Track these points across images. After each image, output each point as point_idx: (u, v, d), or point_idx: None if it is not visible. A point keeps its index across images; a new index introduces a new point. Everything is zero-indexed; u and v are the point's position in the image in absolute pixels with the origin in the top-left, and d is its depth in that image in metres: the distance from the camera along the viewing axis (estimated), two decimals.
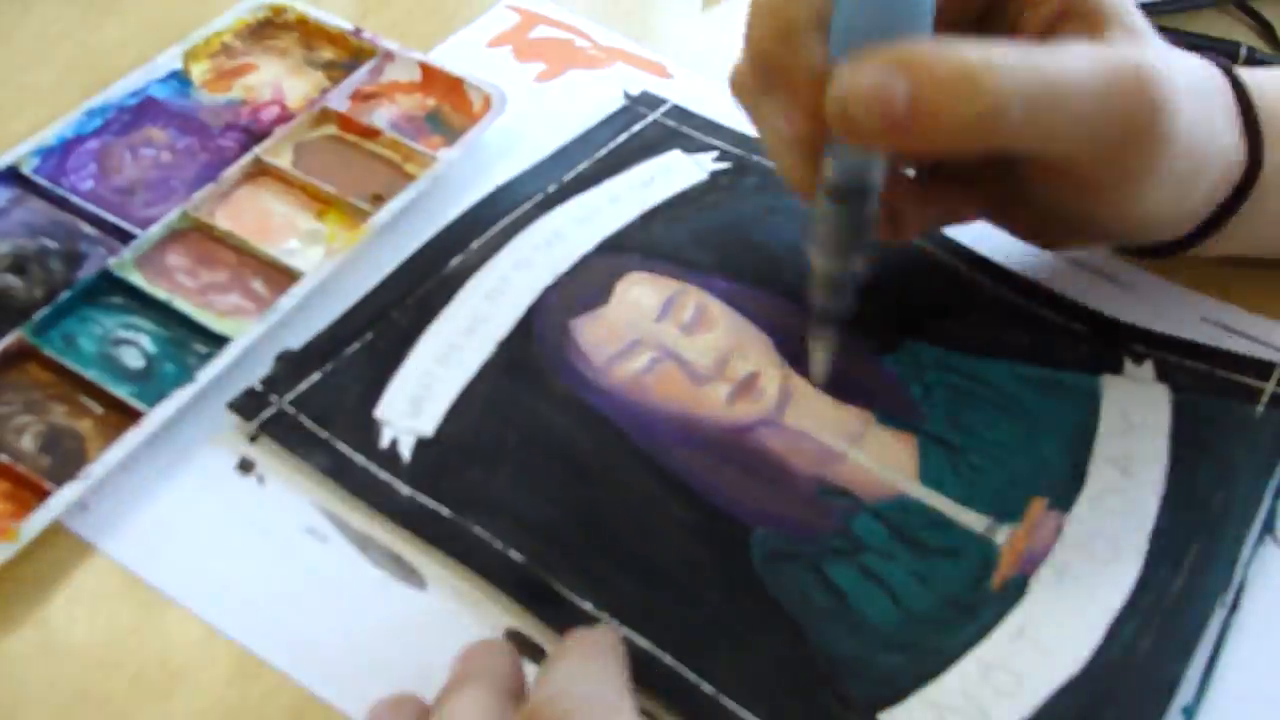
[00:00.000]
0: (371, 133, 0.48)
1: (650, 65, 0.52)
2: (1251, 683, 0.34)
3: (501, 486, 0.37)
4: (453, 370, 0.40)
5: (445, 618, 0.35)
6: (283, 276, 0.43)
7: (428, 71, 0.50)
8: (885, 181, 0.35)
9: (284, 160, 0.47)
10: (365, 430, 0.38)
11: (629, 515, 0.37)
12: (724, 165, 0.47)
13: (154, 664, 0.34)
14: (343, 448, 0.38)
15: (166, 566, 0.36)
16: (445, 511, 0.36)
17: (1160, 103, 0.34)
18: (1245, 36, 0.55)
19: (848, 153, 0.34)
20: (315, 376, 0.40)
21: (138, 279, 0.42)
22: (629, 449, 0.38)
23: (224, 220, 0.45)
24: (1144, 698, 0.33)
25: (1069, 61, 0.33)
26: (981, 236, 0.44)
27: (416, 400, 0.39)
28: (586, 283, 0.43)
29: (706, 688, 0.33)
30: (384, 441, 0.38)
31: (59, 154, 0.46)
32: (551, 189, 0.46)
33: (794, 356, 0.41)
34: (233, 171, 0.46)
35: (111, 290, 0.42)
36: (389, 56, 0.50)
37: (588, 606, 0.34)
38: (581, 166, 0.47)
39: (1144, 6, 0.53)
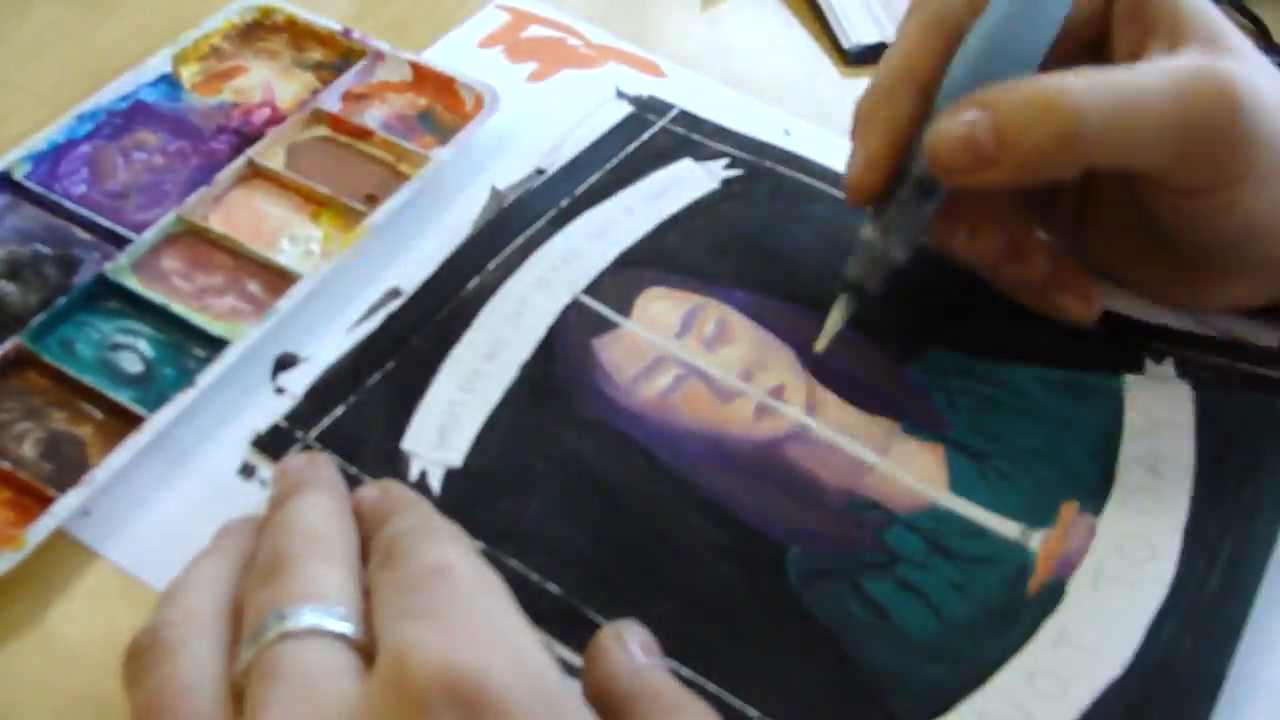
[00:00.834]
0: (364, 133, 0.48)
1: (644, 64, 0.52)
2: None
3: (534, 517, 0.37)
4: (476, 397, 0.40)
5: None
6: (279, 278, 0.43)
7: (418, 71, 0.50)
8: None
9: (276, 162, 0.47)
10: (393, 463, 0.38)
11: (663, 540, 0.36)
12: (736, 173, 0.47)
13: None
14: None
15: (169, 571, 0.35)
16: (480, 545, 0.36)
17: (1239, 102, 0.35)
18: None
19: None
20: (339, 410, 0.39)
21: (134, 283, 0.42)
22: (658, 471, 0.38)
23: (218, 223, 0.44)
24: (1190, 694, 0.33)
25: (1142, 73, 0.36)
26: None
27: (443, 430, 0.39)
28: (605, 300, 0.43)
29: (752, 713, 0.33)
30: (413, 474, 0.38)
31: (51, 159, 0.46)
32: (564, 203, 0.46)
33: (817, 368, 0.41)
34: (226, 174, 0.45)
35: (108, 295, 0.42)
36: (379, 57, 0.50)
37: None
38: (593, 179, 0.47)
39: None
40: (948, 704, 0.33)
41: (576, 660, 0.34)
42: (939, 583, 0.36)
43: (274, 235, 0.44)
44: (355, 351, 0.41)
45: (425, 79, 0.50)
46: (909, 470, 0.38)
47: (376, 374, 0.40)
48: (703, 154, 0.48)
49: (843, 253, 0.40)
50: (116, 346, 0.41)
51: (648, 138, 0.48)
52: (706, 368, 0.41)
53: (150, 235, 0.43)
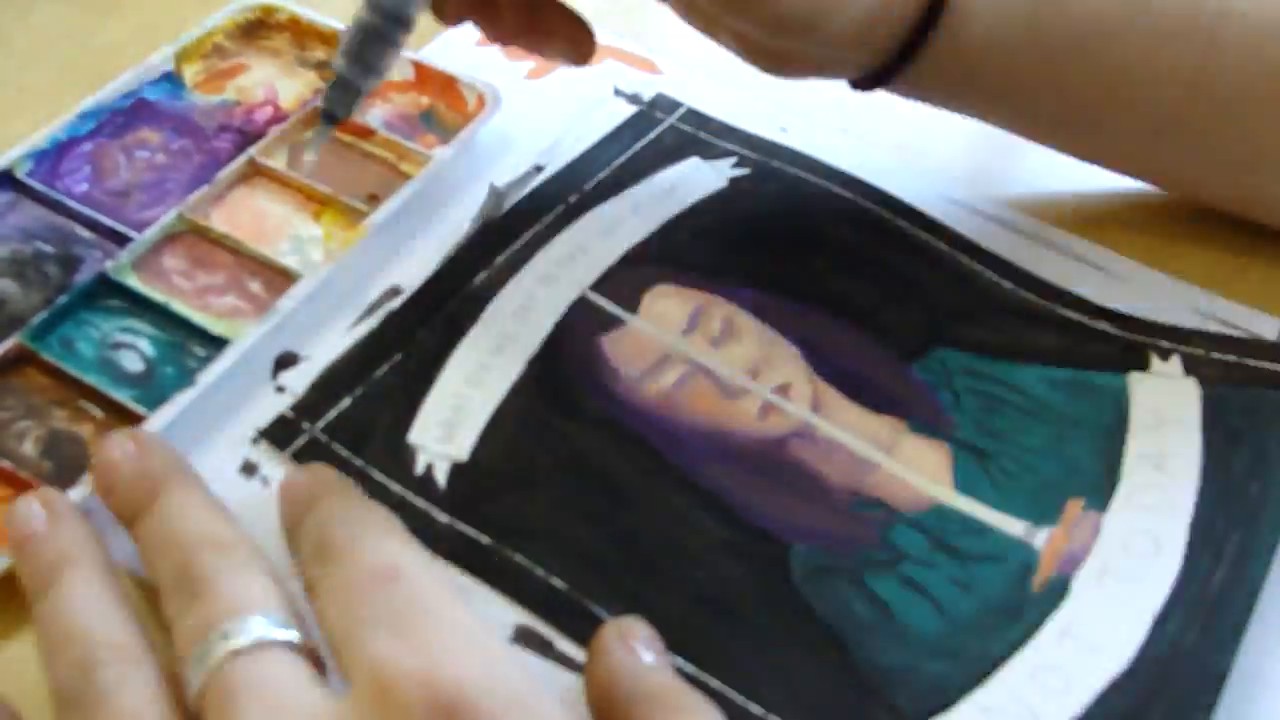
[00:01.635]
0: (366, 132, 0.48)
1: (640, 62, 0.52)
2: None
3: (539, 512, 0.37)
4: (483, 392, 0.40)
5: None
6: (280, 278, 0.43)
7: (421, 70, 0.50)
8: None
9: (279, 161, 0.47)
10: (399, 456, 0.38)
11: (667, 537, 0.36)
12: (743, 172, 0.47)
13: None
14: (378, 475, 0.38)
15: None
16: (485, 540, 0.36)
17: None
18: None
19: None
20: (346, 402, 0.39)
21: (135, 282, 0.42)
22: (663, 468, 0.38)
23: (220, 222, 0.44)
24: (1194, 690, 0.33)
25: None
26: (994, 236, 0.44)
27: (449, 424, 0.39)
28: (613, 297, 0.43)
29: (755, 709, 0.33)
30: (419, 468, 0.38)
31: (52, 157, 0.46)
32: (573, 199, 0.46)
33: (822, 366, 0.41)
34: (228, 173, 0.45)
35: (109, 294, 0.42)
36: None
37: None
38: (601, 175, 0.47)
39: None
40: (951, 700, 0.33)
41: (580, 655, 0.34)
42: (943, 580, 0.36)
43: (276, 234, 0.44)
44: (362, 344, 0.41)
45: (427, 78, 0.50)
46: (914, 469, 0.38)
47: (383, 366, 0.40)
48: (710, 153, 0.48)
49: (850, 252, 0.40)
50: (117, 345, 0.41)
51: (655, 135, 0.48)
52: (713, 365, 0.41)
53: (151, 234, 0.43)
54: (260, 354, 0.41)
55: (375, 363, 0.40)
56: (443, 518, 0.37)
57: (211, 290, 0.42)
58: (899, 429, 0.39)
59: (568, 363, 0.41)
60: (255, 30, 0.52)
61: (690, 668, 0.34)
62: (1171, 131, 0.42)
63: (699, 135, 0.48)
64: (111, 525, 0.33)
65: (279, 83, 0.50)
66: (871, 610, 0.35)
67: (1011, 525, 0.37)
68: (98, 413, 0.39)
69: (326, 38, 0.51)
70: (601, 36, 0.53)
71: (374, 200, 0.45)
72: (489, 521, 0.37)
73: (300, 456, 0.38)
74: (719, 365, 0.41)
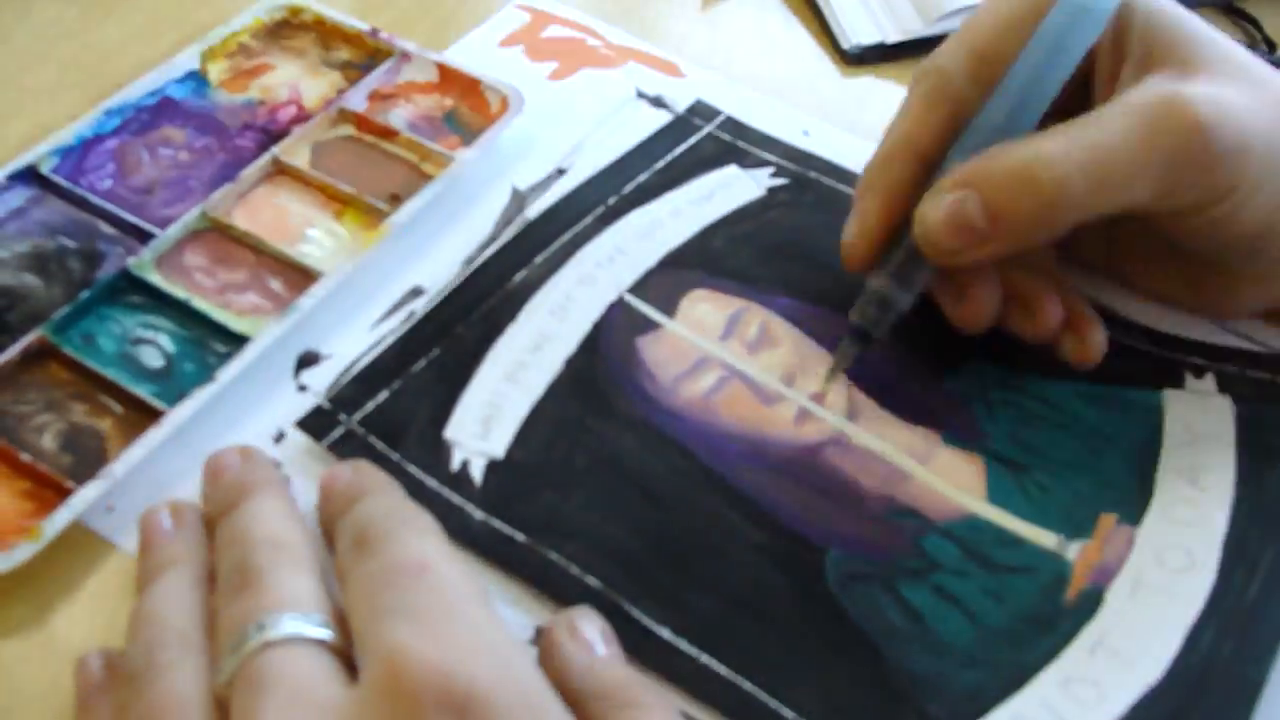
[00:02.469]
0: (389, 133, 0.48)
1: (662, 64, 0.52)
2: None
3: (575, 511, 0.37)
4: (521, 389, 0.40)
5: None
6: (301, 276, 0.43)
7: (445, 72, 0.50)
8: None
9: (301, 160, 0.47)
10: (435, 452, 0.38)
11: (702, 539, 0.36)
12: (781, 181, 0.47)
13: None
14: (414, 470, 0.38)
15: None
16: (521, 537, 0.36)
17: (1202, 124, 0.35)
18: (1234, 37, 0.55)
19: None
20: (383, 395, 0.39)
21: (156, 278, 0.42)
22: (700, 471, 0.38)
23: (242, 220, 0.45)
24: (1227, 703, 0.33)
25: (1108, 120, 0.36)
26: None
27: (486, 421, 0.39)
28: (650, 300, 0.43)
29: (788, 713, 0.33)
30: (455, 464, 0.38)
31: (77, 153, 0.46)
32: (612, 201, 0.46)
33: (858, 375, 0.41)
34: (251, 171, 0.46)
35: (131, 289, 0.42)
36: (406, 57, 0.50)
37: (665, 633, 0.34)
38: (640, 179, 0.47)
39: None
40: (983, 709, 0.33)
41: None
42: (976, 590, 0.35)
43: (297, 233, 0.44)
44: (400, 339, 0.41)
45: (451, 80, 0.50)
46: (947, 480, 0.38)
47: (421, 361, 0.40)
48: (748, 161, 0.48)
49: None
50: (138, 341, 0.41)
51: (695, 142, 0.48)
52: (749, 371, 0.41)
53: (174, 231, 0.43)
54: (281, 352, 0.41)
55: (413, 357, 0.41)
56: (478, 514, 0.37)
57: (232, 287, 0.43)
58: (933, 440, 0.39)
59: (605, 364, 0.41)
60: (280, 30, 0.52)
61: (723, 669, 0.34)
62: None
63: (737, 144, 0.48)
64: None
65: (303, 82, 0.50)
66: (905, 617, 0.35)
67: (1044, 538, 0.37)
68: (117, 408, 0.39)
69: (351, 38, 0.51)
70: (622, 38, 0.54)
71: (396, 200, 0.45)
72: (524, 519, 0.37)
73: (336, 448, 0.38)
74: (755, 371, 0.41)
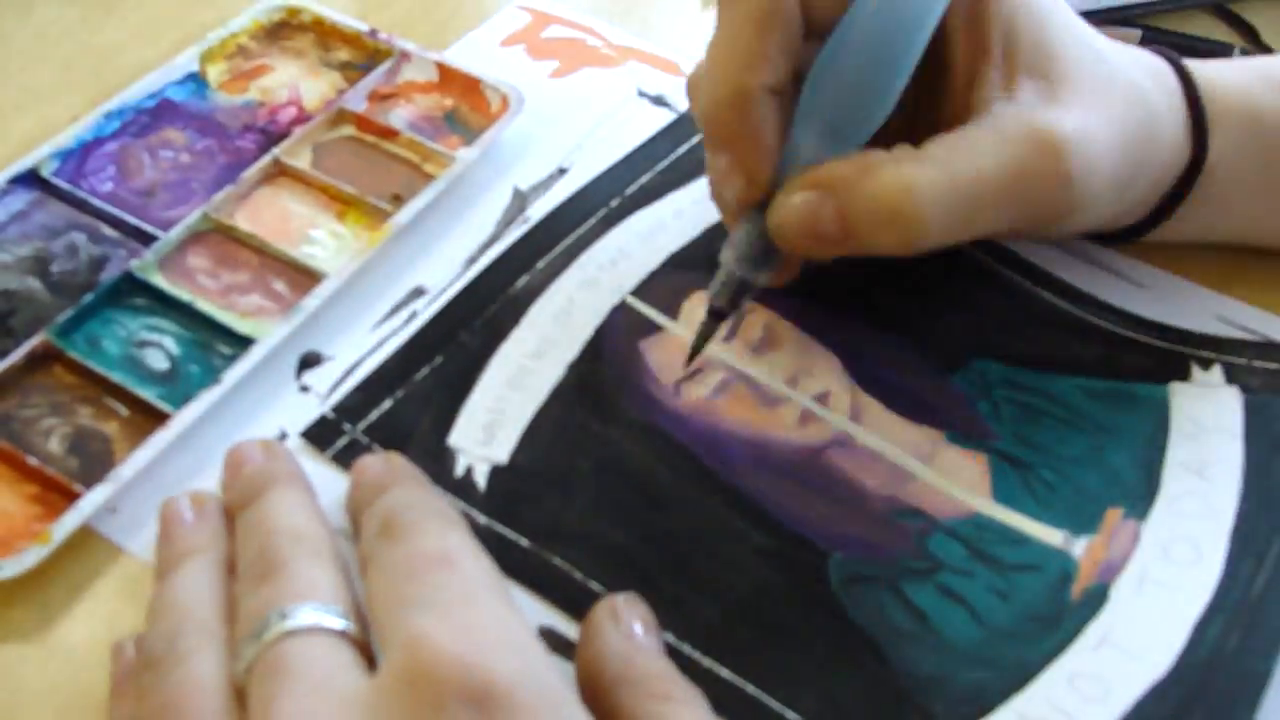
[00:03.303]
0: (390, 133, 0.48)
1: (663, 63, 0.52)
2: None
3: (578, 515, 0.37)
4: (524, 395, 0.40)
5: None
6: (304, 277, 0.43)
7: (445, 71, 0.50)
8: None
9: (303, 161, 0.47)
10: (439, 459, 0.38)
11: (706, 542, 0.36)
12: None
13: None
14: None
15: None
16: (524, 542, 0.36)
17: (1068, 176, 0.36)
18: (1223, 38, 0.55)
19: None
20: (387, 404, 0.39)
21: (160, 281, 0.42)
22: (702, 474, 0.38)
23: (244, 221, 0.45)
24: (1233, 695, 0.33)
25: (977, 161, 0.36)
26: (1031, 247, 0.44)
27: (489, 427, 0.39)
28: (653, 302, 0.43)
29: (791, 716, 0.33)
30: (459, 470, 0.38)
31: (78, 156, 0.46)
32: (614, 204, 0.46)
33: (862, 376, 0.41)
34: (252, 173, 0.46)
35: (134, 292, 0.42)
36: (405, 57, 0.50)
37: (668, 637, 0.34)
38: (643, 179, 0.47)
39: (1125, 9, 0.54)
40: (988, 707, 0.33)
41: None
42: (981, 589, 0.35)
43: (300, 234, 0.44)
44: (403, 346, 0.41)
45: (451, 79, 0.50)
46: (952, 479, 0.38)
47: (424, 369, 0.40)
48: None
49: (890, 263, 0.40)
50: (142, 343, 0.41)
51: (698, 141, 0.48)
52: (752, 372, 0.41)
53: (177, 233, 0.43)
54: (284, 353, 0.41)
55: (416, 365, 0.41)
56: (481, 519, 0.37)
57: (236, 289, 0.42)
58: (937, 439, 0.39)
59: (608, 367, 0.41)
60: (279, 31, 0.52)
61: (726, 673, 0.34)
62: None
63: None
64: None
65: (302, 83, 0.50)
66: (909, 618, 0.35)
67: (1050, 535, 0.37)
68: (123, 410, 0.39)
69: (350, 39, 0.51)
70: (622, 37, 0.54)
71: (398, 201, 0.45)
72: (527, 524, 0.37)
73: (341, 458, 0.38)
74: (758, 372, 0.41)
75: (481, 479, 0.38)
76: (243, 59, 0.51)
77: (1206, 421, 0.39)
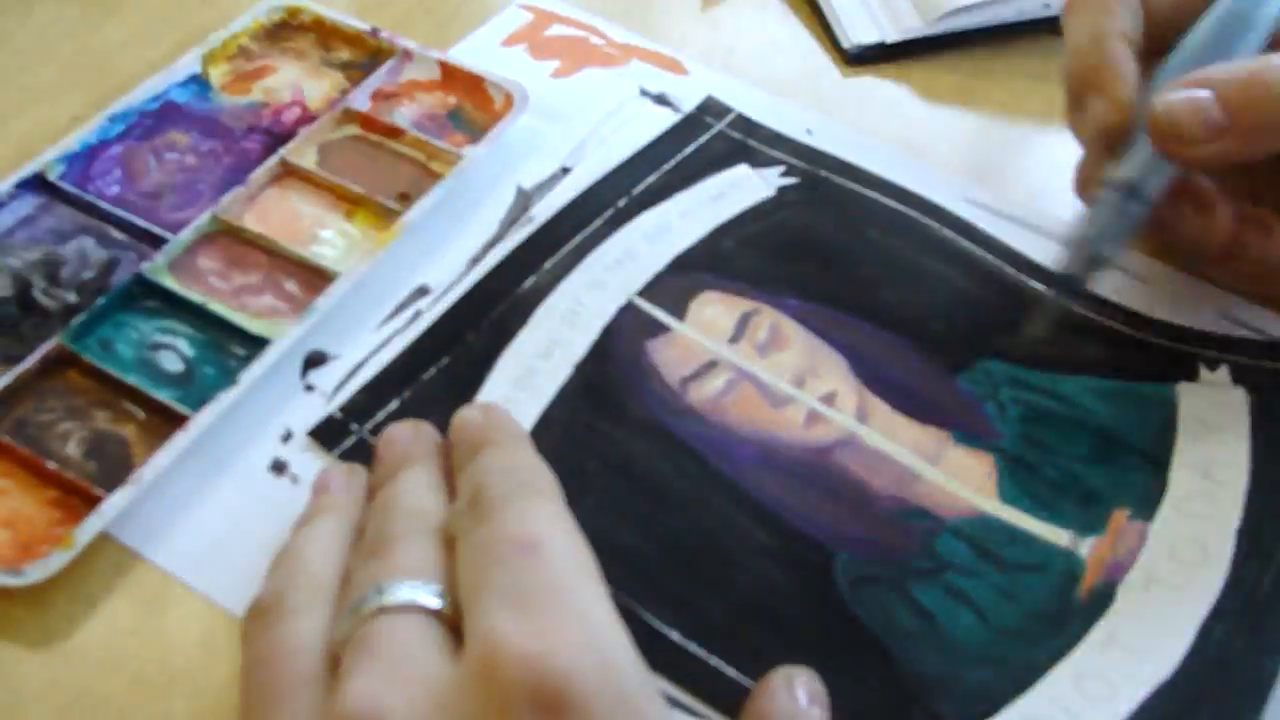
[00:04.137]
0: (395, 131, 0.48)
1: (665, 62, 0.52)
2: None
3: (584, 515, 0.36)
4: (530, 395, 0.40)
5: None
6: (316, 277, 0.43)
7: (447, 70, 0.50)
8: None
9: (309, 161, 0.47)
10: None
11: (713, 542, 0.37)
12: (791, 181, 0.47)
13: (211, 674, 0.34)
14: None
15: (210, 571, 0.36)
16: None
17: None
18: None
19: (1143, 156, 0.39)
20: (394, 404, 0.40)
21: (171, 283, 0.42)
22: (709, 474, 0.38)
23: (253, 222, 0.45)
24: (1240, 695, 0.33)
25: None
26: (1039, 248, 0.45)
27: None
28: (660, 302, 0.43)
29: None
30: None
31: (84, 160, 0.46)
32: (621, 204, 0.46)
33: (868, 376, 0.41)
34: (260, 173, 0.46)
35: (146, 295, 0.42)
36: (408, 55, 0.50)
37: (675, 636, 0.34)
38: (650, 180, 0.47)
39: None
40: (994, 707, 0.33)
41: None
42: (987, 589, 0.36)
43: (309, 234, 0.45)
44: (411, 346, 0.41)
45: (454, 78, 0.50)
46: (959, 479, 0.38)
47: (431, 370, 0.41)
48: (759, 160, 0.48)
49: (897, 263, 0.41)
50: (156, 346, 0.41)
51: (705, 141, 0.48)
52: (759, 373, 0.41)
53: (186, 235, 0.43)
54: (297, 353, 0.41)
55: (423, 366, 0.41)
56: None
57: (247, 290, 0.43)
58: (944, 439, 0.39)
59: (615, 368, 0.41)
60: (280, 32, 0.52)
61: (732, 671, 0.34)
62: None
63: (748, 143, 0.48)
64: None
65: (305, 83, 0.50)
66: (915, 618, 0.35)
67: (1056, 535, 0.37)
68: (140, 413, 0.39)
69: (351, 38, 0.51)
70: (626, 36, 0.54)
71: (405, 199, 0.45)
72: None
73: (347, 458, 0.38)
74: (765, 373, 0.41)
75: None
76: (244, 60, 0.51)
77: (1213, 422, 0.40)
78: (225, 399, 0.38)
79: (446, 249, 0.45)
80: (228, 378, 0.39)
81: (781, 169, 0.47)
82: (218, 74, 0.50)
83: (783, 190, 0.47)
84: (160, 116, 0.48)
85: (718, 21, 0.56)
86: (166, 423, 0.38)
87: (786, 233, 0.45)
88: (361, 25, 0.51)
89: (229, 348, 0.41)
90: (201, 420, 0.38)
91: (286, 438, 0.39)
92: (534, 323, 0.42)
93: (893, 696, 0.34)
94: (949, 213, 0.46)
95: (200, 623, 0.35)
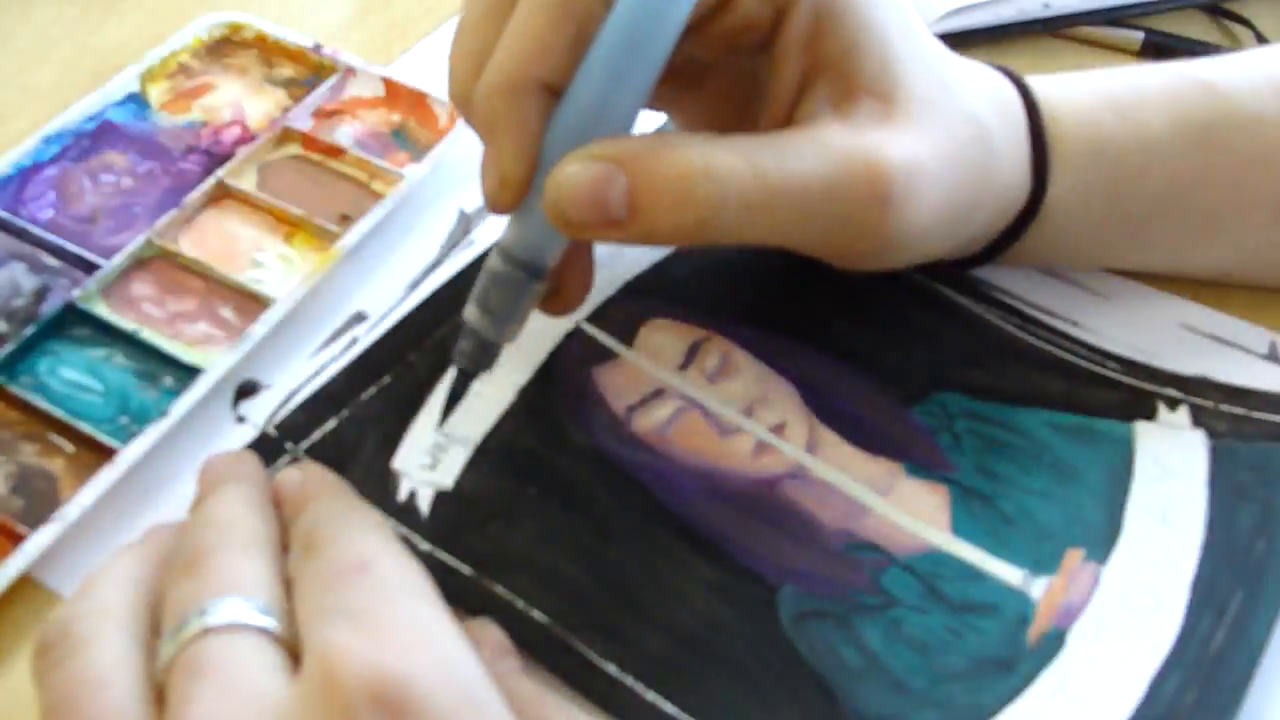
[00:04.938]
0: (336, 151, 0.47)
1: None
2: None
3: (523, 543, 0.36)
4: (472, 419, 0.39)
5: None
6: (252, 303, 0.42)
7: (391, 87, 0.49)
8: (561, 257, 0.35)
9: (248, 183, 0.46)
10: (382, 482, 0.37)
11: (653, 574, 0.36)
12: None
13: None
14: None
15: None
16: (466, 570, 0.36)
17: (888, 198, 0.34)
18: (1220, 39, 0.56)
19: (535, 228, 0.34)
20: (331, 423, 0.39)
21: (104, 311, 0.41)
22: (652, 505, 0.37)
23: (189, 247, 0.44)
24: None
25: (790, 163, 0.33)
26: (991, 270, 0.44)
27: (435, 450, 0.38)
28: (608, 329, 0.42)
29: None
30: (402, 494, 0.37)
31: (16, 183, 0.45)
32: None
33: (820, 407, 0.40)
34: (196, 196, 0.45)
35: (77, 323, 0.41)
36: (350, 72, 0.50)
37: (611, 669, 0.34)
38: None
39: (1117, 9, 0.54)
40: None
41: (561, 689, 0.33)
42: (935, 628, 0.35)
43: (247, 258, 0.44)
44: (351, 364, 0.41)
45: (398, 94, 0.49)
46: (910, 511, 0.38)
47: (371, 389, 0.40)
48: None
49: (852, 292, 0.41)
50: (87, 376, 0.40)
51: None
52: (707, 401, 0.40)
53: (119, 260, 0.43)
54: (232, 383, 0.40)
55: (363, 385, 0.40)
56: (424, 546, 0.36)
57: (182, 317, 0.42)
58: (896, 472, 0.39)
59: (559, 393, 0.40)
60: (221, 48, 0.51)
61: (670, 707, 0.33)
62: (1265, 248, 0.42)
63: None
64: None
65: (246, 102, 0.49)
66: (860, 657, 0.34)
67: (1009, 573, 0.36)
68: (69, 446, 0.38)
69: (294, 55, 0.51)
70: None
71: (346, 221, 0.44)
72: (471, 551, 0.36)
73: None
74: (714, 401, 0.40)
75: (425, 504, 0.37)
76: (184, 77, 0.50)
77: (1171, 465, 0.39)
78: (154, 431, 0.38)
79: (385, 273, 0.44)
80: (159, 409, 0.38)
81: None
82: (156, 92, 0.49)
83: None
84: (97, 137, 0.47)
85: None
86: (96, 456, 0.37)
87: (741, 258, 0.44)
88: (304, 41, 0.50)
89: (161, 378, 0.40)
90: (130, 454, 0.37)
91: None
92: None
93: None
94: None
95: None
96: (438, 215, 0.46)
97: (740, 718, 0.33)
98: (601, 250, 0.44)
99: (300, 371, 0.41)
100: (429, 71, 0.51)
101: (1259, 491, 0.38)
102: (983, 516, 0.37)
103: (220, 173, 0.46)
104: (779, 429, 0.39)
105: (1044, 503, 0.38)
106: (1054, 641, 0.35)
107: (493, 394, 0.40)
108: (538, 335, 0.42)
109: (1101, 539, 0.37)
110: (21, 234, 0.44)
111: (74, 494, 0.36)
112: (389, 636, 0.27)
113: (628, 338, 0.42)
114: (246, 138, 0.48)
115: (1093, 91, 0.41)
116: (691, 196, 0.32)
